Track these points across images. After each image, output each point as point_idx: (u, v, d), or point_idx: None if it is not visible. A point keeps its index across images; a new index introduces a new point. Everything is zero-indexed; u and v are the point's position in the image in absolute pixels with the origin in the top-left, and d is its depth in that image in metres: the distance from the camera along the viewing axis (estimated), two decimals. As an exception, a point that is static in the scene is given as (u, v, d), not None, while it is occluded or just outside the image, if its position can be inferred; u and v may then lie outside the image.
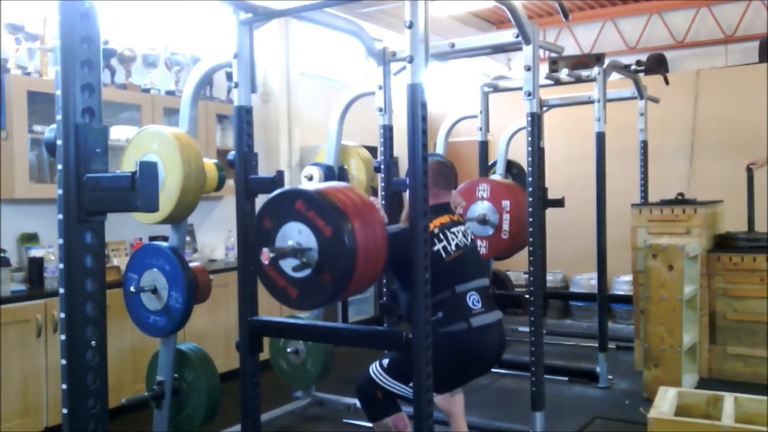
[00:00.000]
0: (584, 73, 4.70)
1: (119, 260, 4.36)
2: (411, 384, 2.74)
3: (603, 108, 4.65)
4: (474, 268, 2.99)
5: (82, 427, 1.43)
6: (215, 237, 5.37)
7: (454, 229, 3.00)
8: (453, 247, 2.94)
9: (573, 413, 4.05)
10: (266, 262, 2.38)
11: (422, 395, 2.42)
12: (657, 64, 7.05)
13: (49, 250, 4.06)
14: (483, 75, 6.92)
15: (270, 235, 2.46)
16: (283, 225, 2.43)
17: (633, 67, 4.93)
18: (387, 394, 2.92)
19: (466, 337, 2.80)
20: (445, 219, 3.00)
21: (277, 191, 2.54)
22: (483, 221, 4.16)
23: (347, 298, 2.57)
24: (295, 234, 2.39)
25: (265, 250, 2.37)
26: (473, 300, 2.87)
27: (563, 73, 4.69)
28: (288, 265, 2.42)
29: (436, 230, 2.90)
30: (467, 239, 3.05)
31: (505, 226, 4.10)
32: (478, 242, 4.12)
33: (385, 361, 2.94)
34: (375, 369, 2.95)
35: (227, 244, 5.30)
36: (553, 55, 4.68)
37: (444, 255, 2.90)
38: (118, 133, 4.41)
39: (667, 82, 5.77)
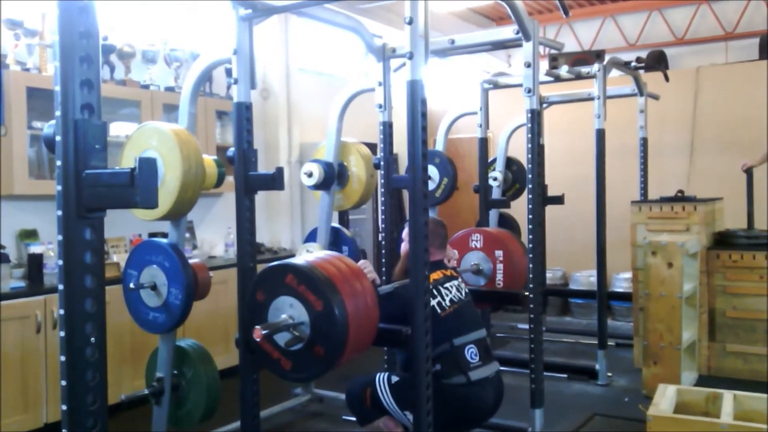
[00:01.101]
0: (584, 69, 4.70)
1: (119, 257, 4.36)
2: (405, 412, 2.83)
3: (603, 105, 4.64)
4: (470, 320, 3.03)
5: (82, 423, 1.43)
6: (215, 233, 5.37)
7: (447, 285, 3.05)
8: (447, 303, 2.99)
9: (572, 410, 4.05)
10: (258, 340, 2.41)
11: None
12: (657, 61, 7.04)
13: (49, 247, 4.05)
14: (483, 72, 6.92)
15: (263, 308, 2.51)
16: (276, 299, 2.48)
17: (633, 64, 4.92)
18: (378, 404, 2.95)
19: (465, 391, 2.85)
20: (438, 275, 3.04)
21: (269, 266, 2.58)
22: (477, 272, 4.21)
23: (345, 361, 2.61)
24: (287, 308, 2.45)
25: (257, 327, 2.39)
26: (471, 353, 2.91)
27: (563, 70, 4.69)
28: (281, 339, 2.46)
29: (430, 286, 2.84)
30: (461, 293, 3.10)
31: (499, 276, 4.15)
32: None
33: (394, 378, 2.97)
34: (381, 379, 2.97)
35: (227, 241, 5.30)
36: (553, 51, 4.68)
37: (439, 310, 2.94)
38: (117, 129, 4.40)
39: (667, 79, 5.77)
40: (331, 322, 2.36)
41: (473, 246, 4.22)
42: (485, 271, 4.20)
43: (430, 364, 2.52)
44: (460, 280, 3.19)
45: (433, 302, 2.89)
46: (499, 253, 4.15)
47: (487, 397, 2.92)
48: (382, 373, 3.00)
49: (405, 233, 3.15)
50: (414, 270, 2.50)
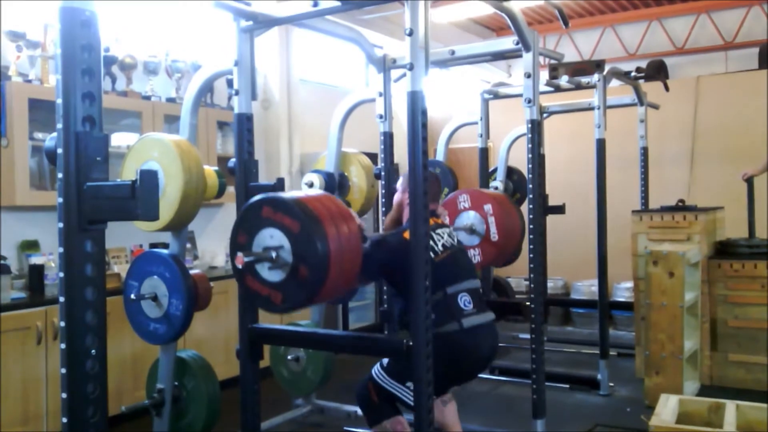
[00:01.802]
0: (584, 79, 4.71)
1: (119, 267, 4.36)
2: (407, 384, 2.78)
3: (603, 115, 4.65)
4: (463, 268, 2.99)
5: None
6: (216, 244, 5.37)
7: (439, 231, 3.02)
8: (440, 248, 2.95)
9: (574, 421, 4.03)
10: (240, 266, 2.43)
11: (423, 401, 2.41)
12: (657, 71, 7.06)
13: (50, 258, 4.06)
14: (483, 82, 6.93)
15: (245, 248, 2.50)
16: (256, 235, 2.47)
17: (633, 74, 4.94)
18: (385, 395, 2.92)
19: (458, 338, 2.80)
20: (430, 221, 2.98)
21: (245, 206, 2.58)
22: (470, 230, 4.18)
23: (331, 296, 2.59)
24: (268, 239, 2.45)
25: (239, 254, 2.42)
26: (465, 301, 2.86)
27: (563, 80, 4.70)
28: (269, 275, 2.46)
29: None
30: (453, 240, 3.06)
31: (493, 230, 4.12)
32: (471, 252, 4.13)
33: (385, 361, 2.95)
34: (376, 369, 2.96)
35: (228, 251, 5.29)
36: (553, 61, 4.69)
37: (432, 255, 2.85)
38: (118, 140, 4.41)
39: (667, 88, 5.78)
40: (310, 239, 2.36)
41: (462, 207, 4.21)
42: (478, 229, 4.19)
43: (431, 321, 2.49)
44: (452, 228, 3.16)
45: None
46: (488, 207, 4.14)
47: (481, 345, 2.88)
48: (376, 365, 2.98)
49: (400, 183, 3.16)
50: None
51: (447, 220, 3.28)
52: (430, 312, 2.49)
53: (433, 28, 2.93)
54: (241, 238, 2.50)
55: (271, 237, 2.43)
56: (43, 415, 3.64)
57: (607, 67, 4.75)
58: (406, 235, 2.79)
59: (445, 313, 2.80)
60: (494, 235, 4.10)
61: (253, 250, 2.47)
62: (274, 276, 2.44)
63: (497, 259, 4.32)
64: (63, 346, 1.42)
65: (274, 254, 2.40)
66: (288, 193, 2.55)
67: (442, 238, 3.00)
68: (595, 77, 4.61)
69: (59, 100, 1.43)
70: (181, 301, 2.97)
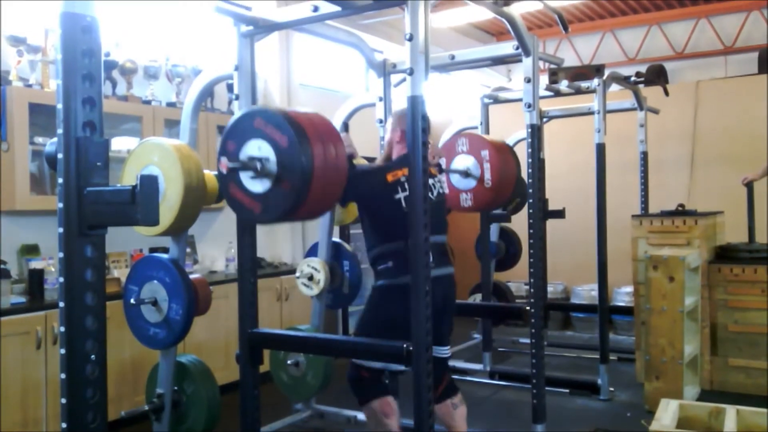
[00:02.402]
0: (584, 84, 4.72)
1: (119, 272, 4.35)
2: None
3: (603, 119, 4.65)
4: (433, 222, 2.97)
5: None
6: (216, 248, 5.37)
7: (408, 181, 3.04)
8: None
9: (574, 426, 4.03)
10: (224, 171, 2.49)
11: (421, 340, 2.41)
12: (657, 75, 7.06)
13: (50, 262, 4.05)
14: (483, 86, 6.94)
15: (232, 156, 2.56)
16: (245, 144, 2.52)
17: (633, 78, 4.94)
18: (372, 370, 2.99)
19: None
20: None
21: (239, 113, 2.63)
22: (466, 174, 4.19)
23: (311, 214, 2.65)
24: (256, 150, 2.49)
25: (223, 159, 2.48)
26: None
27: (563, 85, 4.70)
28: (252, 185, 2.52)
29: (403, 179, 2.97)
30: (432, 194, 3.07)
31: (487, 176, 4.15)
32: (463, 195, 4.16)
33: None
34: None
35: (228, 256, 5.30)
36: (552, 66, 4.70)
37: (404, 205, 2.94)
38: (119, 144, 4.41)
39: (666, 93, 5.79)
40: (295, 155, 2.40)
41: (460, 150, 4.23)
42: (473, 173, 4.20)
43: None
44: (437, 178, 3.19)
45: (401, 195, 2.94)
46: (485, 153, 4.18)
47: (435, 292, 2.85)
48: None
49: (390, 122, 3.23)
50: (415, 291, 2.48)
51: (444, 164, 3.29)
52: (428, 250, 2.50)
53: (433, 33, 2.94)
54: (231, 145, 2.55)
55: (259, 149, 2.48)
56: (42, 419, 3.64)
57: (606, 72, 4.76)
58: (389, 177, 2.95)
59: (404, 264, 2.85)
60: (488, 181, 4.13)
61: (240, 158, 2.52)
62: (256, 187, 2.49)
63: (489, 204, 4.36)
64: (63, 351, 1.42)
65: (259, 165, 2.44)
66: (280, 108, 2.62)
67: None
68: (595, 82, 4.61)
69: (60, 105, 1.43)
70: (181, 305, 2.97)
